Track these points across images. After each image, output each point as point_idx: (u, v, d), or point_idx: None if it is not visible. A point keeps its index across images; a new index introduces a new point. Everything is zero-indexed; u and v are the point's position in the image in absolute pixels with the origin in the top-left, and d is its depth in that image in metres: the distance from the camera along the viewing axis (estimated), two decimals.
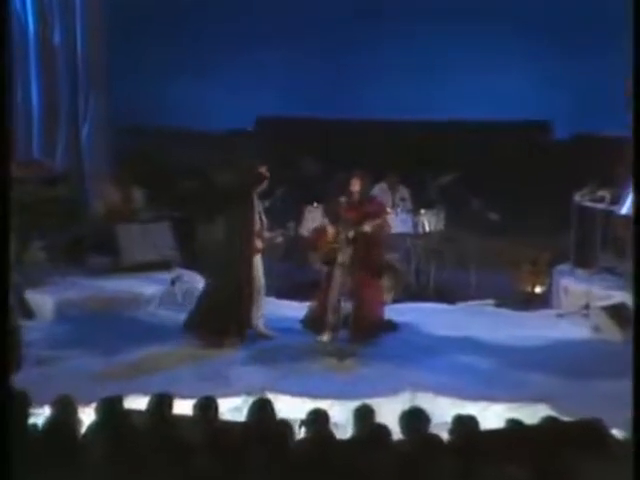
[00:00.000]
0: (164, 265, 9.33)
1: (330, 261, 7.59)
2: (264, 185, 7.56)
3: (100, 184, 10.15)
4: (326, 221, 7.72)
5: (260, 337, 7.63)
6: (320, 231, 7.72)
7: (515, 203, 10.39)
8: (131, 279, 9.06)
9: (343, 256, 7.47)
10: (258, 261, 7.61)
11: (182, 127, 11.37)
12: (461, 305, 8.92)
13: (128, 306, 8.56)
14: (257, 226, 7.52)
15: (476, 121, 11.45)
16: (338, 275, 7.51)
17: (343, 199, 7.60)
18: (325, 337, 7.58)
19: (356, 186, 7.58)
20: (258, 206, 7.55)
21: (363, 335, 7.57)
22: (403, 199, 9.68)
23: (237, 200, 7.55)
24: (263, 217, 7.61)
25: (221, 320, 7.42)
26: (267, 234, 7.64)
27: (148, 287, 8.89)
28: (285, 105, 11.76)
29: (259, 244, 7.55)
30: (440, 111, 11.40)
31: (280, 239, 7.78)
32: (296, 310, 8.21)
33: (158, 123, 11.34)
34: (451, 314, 8.62)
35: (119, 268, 9.28)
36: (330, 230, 7.57)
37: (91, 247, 9.52)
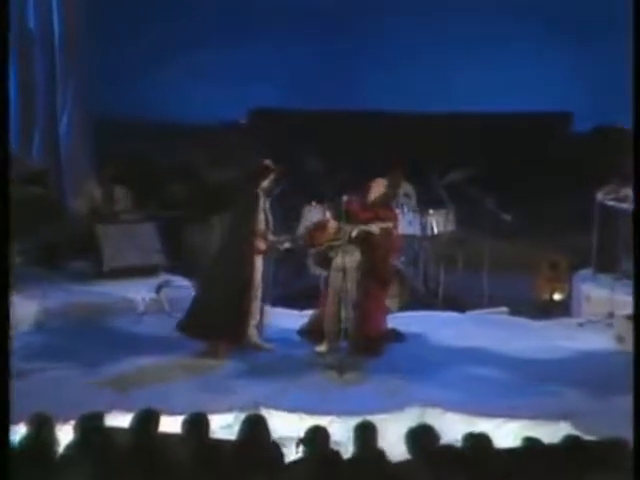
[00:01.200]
0: (150, 270, 9.33)
1: (326, 261, 7.57)
2: (270, 180, 7.52)
3: (80, 182, 10.15)
4: (328, 216, 7.68)
5: (255, 349, 7.62)
6: (320, 225, 7.68)
7: (532, 202, 10.41)
8: (114, 285, 9.06)
9: (343, 259, 7.46)
10: (259, 264, 7.56)
11: (169, 120, 11.37)
12: (473, 313, 8.92)
13: (111, 314, 8.57)
14: (261, 225, 7.48)
15: (488, 113, 11.46)
16: (338, 281, 7.51)
17: (355, 197, 7.58)
18: (324, 348, 7.59)
19: (380, 187, 7.53)
20: (264, 203, 7.51)
21: (366, 346, 7.55)
22: (407, 196, 9.67)
23: (238, 197, 7.53)
24: (269, 216, 7.55)
25: (216, 326, 7.40)
26: (272, 237, 7.59)
27: (132, 294, 8.88)
28: (280, 96, 11.76)
29: (262, 245, 7.51)
30: (450, 102, 11.41)
31: (287, 245, 7.72)
32: (293, 319, 8.20)
33: (142, 116, 11.34)
34: (462, 323, 8.62)
35: (101, 273, 9.28)
36: (331, 224, 7.53)
37: (70, 250, 9.52)
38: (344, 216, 7.44)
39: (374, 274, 7.58)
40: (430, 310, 8.94)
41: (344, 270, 7.46)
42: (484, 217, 9.12)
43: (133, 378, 7.08)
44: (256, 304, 7.58)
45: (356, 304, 7.49)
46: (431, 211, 9.32)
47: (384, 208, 7.71)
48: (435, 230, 9.32)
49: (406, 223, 9.10)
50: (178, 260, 9.71)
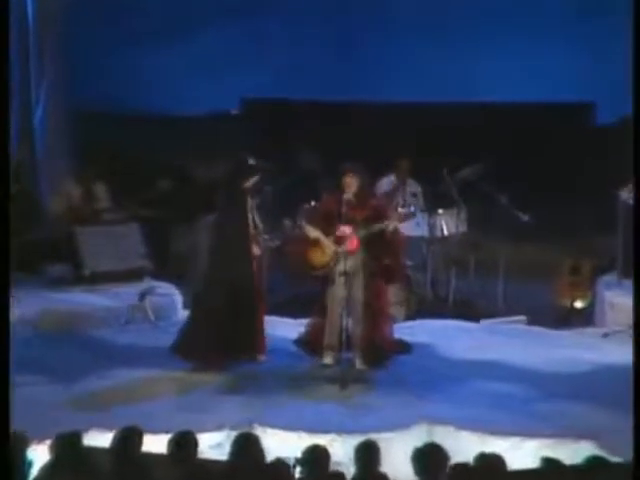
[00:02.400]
0: (133, 275, 9.34)
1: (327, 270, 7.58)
2: (255, 180, 7.56)
3: (57, 178, 10.15)
4: (312, 229, 7.63)
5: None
6: (313, 243, 7.62)
7: (551, 200, 10.39)
8: (94, 292, 9.08)
9: (345, 262, 7.46)
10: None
11: (154, 112, 11.37)
12: (487, 323, 8.92)
13: (90, 324, 8.57)
14: (251, 229, 7.52)
15: (502, 103, 11.45)
16: (340, 285, 7.50)
17: (345, 196, 7.58)
18: (325, 360, 7.58)
19: (350, 183, 7.56)
20: (250, 205, 7.55)
21: (370, 358, 7.56)
22: (414, 195, 9.67)
23: (225, 197, 7.55)
24: (257, 218, 7.61)
25: (222, 336, 7.40)
26: (264, 237, 7.68)
27: (114, 301, 8.89)
28: (276, 84, 11.75)
29: (256, 251, 7.54)
30: (461, 92, 11.40)
31: (277, 242, 7.72)
32: (289, 328, 8.21)
33: (125, 107, 11.33)
34: (475, 333, 8.62)
35: (80, 279, 9.30)
36: (327, 245, 7.52)
37: (46, 253, 9.52)
38: (348, 220, 7.46)
39: (384, 275, 7.58)
40: (440, 319, 8.94)
41: (347, 274, 7.45)
42: (499, 217, 9.13)
43: (114, 394, 7.07)
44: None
45: (362, 311, 7.49)
46: (440, 210, 9.33)
47: (374, 199, 7.66)
48: (445, 231, 9.35)
49: (413, 224, 9.10)
50: (164, 265, 9.73)
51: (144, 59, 11.42)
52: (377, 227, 7.47)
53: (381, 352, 7.64)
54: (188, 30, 11.50)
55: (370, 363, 7.55)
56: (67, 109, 10.49)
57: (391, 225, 7.46)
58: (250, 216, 7.52)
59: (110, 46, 11.25)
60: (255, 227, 7.57)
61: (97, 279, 9.31)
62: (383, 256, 7.56)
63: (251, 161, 7.59)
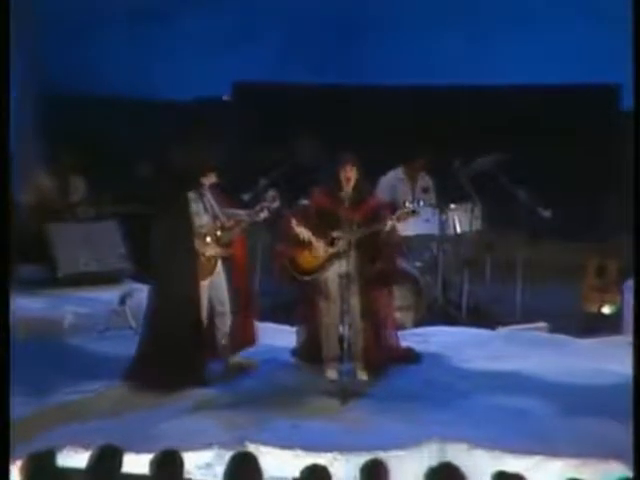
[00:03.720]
0: (112, 277, 9.33)
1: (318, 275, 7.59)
2: (211, 178, 7.56)
3: (27, 170, 10.13)
4: (303, 230, 7.61)
5: (233, 371, 7.63)
6: (303, 244, 7.62)
7: (574, 193, 10.38)
8: (68, 295, 9.06)
9: (342, 265, 7.48)
10: (216, 271, 7.56)
11: (134, 96, 11.36)
12: (504, 330, 8.93)
13: (64, 332, 8.58)
14: (204, 225, 7.51)
15: (518, 86, 11.44)
16: (337, 288, 7.51)
17: (342, 193, 7.56)
18: (328, 375, 7.59)
19: (350, 177, 7.54)
20: (208, 205, 7.55)
21: (372, 369, 7.57)
22: (425, 190, 9.66)
23: (178, 192, 7.55)
24: (219, 213, 7.56)
25: (173, 360, 7.35)
26: (244, 214, 7.60)
27: (91, 307, 8.90)
28: (271, 67, 11.74)
29: (211, 250, 7.49)
30: (475, 75, 11.39)
31: (264, 215, 7.65)
32: (286, 336, 8.21)
33: (103, 92, 11.32)
34: (491, 342, 8.62)
35: (53, 281, 9.31)
36: (317, 245, 7.53)
37: (16, 253, 9.48)
38: (342, 223, 7.48)
39: (379, 276, 7.59)
40: (452, 325, 8.96)
41: (344, 275, 7.45)
42: (517, 213, 9.12)
43: (91, 408, 7.05)
44: (221, 320, 7.62)
45: (360, 319, 7.51)
46: (453, 206, 9.33)
47: (370, 196, 7.72)
48: (458, 229, 9.34)
49: (422, 220, 9.09)
50: (146, 266, 9.67)
51: (123, 39, 11.41)
52: (373, 228, 7.48)
53: (386, 362, 7.67)
54: (172, 7, 11.49)
55: (373, 374, 7.56)
56: (39, 93, 10.49)
57: (389, 226, 7.45)
58: (205, 212, 7.51)
59: (86, 24, 11.23)
60: (217, 222, 7.55)
61: (72, 282, 9.30)
62: (376, 259, 7.57)
63: (208, 157, 7.62)
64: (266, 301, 9.28)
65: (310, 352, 7.75)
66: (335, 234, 7.54)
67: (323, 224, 7.59)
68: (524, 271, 9.22)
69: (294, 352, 7.89)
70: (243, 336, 7.78)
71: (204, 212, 7.55)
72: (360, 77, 11.65)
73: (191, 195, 7.53)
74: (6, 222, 5.81)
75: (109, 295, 9.02)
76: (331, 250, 7.54)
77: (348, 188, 7.58)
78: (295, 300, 8.20)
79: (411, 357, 7.91)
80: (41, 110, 10.52)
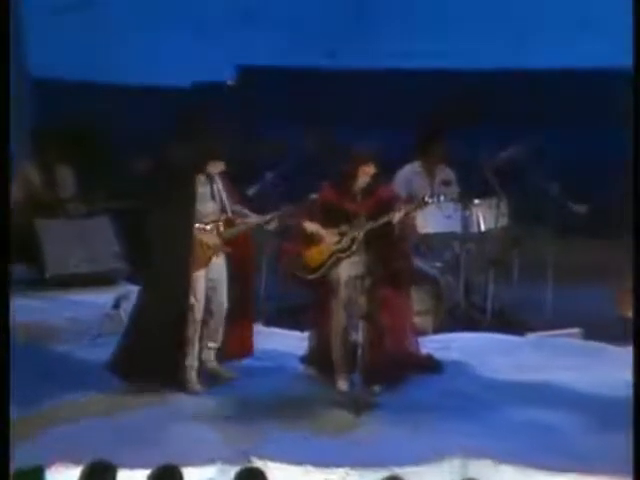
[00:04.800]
0: (105, 279, 9.33)
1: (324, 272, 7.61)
2: (219, 166, 7.61)
3: (14, 160, 10.12)
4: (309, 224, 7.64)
5: (211, 378, 7.68)
6: (314, 240, 7.64)
7: (610, 187, 10.31)
8: (57, 298, 9.06)
9: (351, 265, 7.49)
10: (215, 265, 7.63)
11: (129, 81, 11.37)
12: (533, 336, 8.92)
13: (53, 338, 8.58)
14: (208, 211, 7.58)
15: (549, 70, 11.40)
16: (345, 292, 7.54)
17: (354, 188, 7.59)
18: (339, 385, 7.59)
19: (368, 172, 7.56)
20: (212, 188, 7.61)
21: (390, 378, 7.57)
22: (446, 183, 9.65)
23: (179, 182, 7.63)
24: (227, 205, 7.64)
25: (154, 356, 7.46)
26: (254, 218, 7.68)
27: (81, 310, 8.90)
28: (279, 50, 11.75)
29: (209, 238, 7.54)
30: (501, 57, 11.37)
31: (274, 225, 7.73)
32: (295, 342, 8.24)
33: (93, 75, 11.35)
34: (519, 349, 8.61)
35: (41, 282, 9.31)
36: (328, 240, 7.54)
37: None
38: (350, 218, 7.51)
39: (395, 278, 7.59)
40: (475, 331, 8.96)
41: (354, 275, 7.49)
42: (547, 208, 9.09)
43: (83, 421, 7.05)
44: (211, 321, 7.67)
45: (373, 318, 7.50)
46: (477, 201, 9.31)
47: (382, 190, 7.72)
48: (482, 226, 9.32)
49: (443, 217, 9.08)
50: (142, 266, 9.68)
51: (115, 16, 11.43)
52: (381, 220, 7.48)
53: (403, 371, 7.66)
54: None
55: (389, 384, 7.55)
56: (24, 77, 10.49)
57: (396, 216, 7.45)
58: (212, 203, 7.59)
59: (75, 5, 11.26)
60: (223, 214, 7.62)
61: (61, 283, 9.31)
62: (391, 257, 7.58)
63: (215, 146, 7.67)
64: (273, 304, 9.28)
65: (321, 359, 7.75)
66: (342, 229, 7.54)
67: (330, 219, 7.58)
68: (555, 272, 9.19)
69: (303, 359, 7.90)
70: (239, 345, 7.83)
71: (210, 198, 7.62)
72: (374, 60, 11.64)
73: (200, 178, 7.60)
74: (6, 222, 5.85)
75: (102, 298, 9.03)
76: (335, 246, 7.53)
77: (362, 183, 7.58)
78: (305, 303, 8.20)
79: (431, 366, 7.91)
80: (25, 97, 10.52)
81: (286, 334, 8.63)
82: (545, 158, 9.14)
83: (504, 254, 9.42)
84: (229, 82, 12.09)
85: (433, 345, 8.27)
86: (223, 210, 7.65)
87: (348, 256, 7.53)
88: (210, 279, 7.62)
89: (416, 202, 7.68)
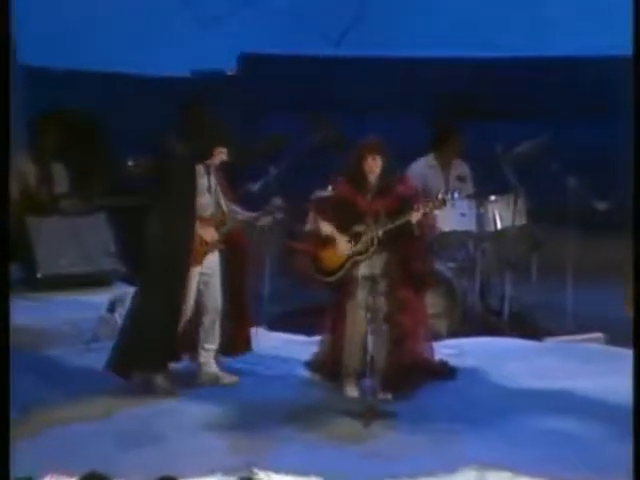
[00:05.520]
0: (100, 279, 9.34)
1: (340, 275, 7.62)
2: (222, 155, 7.67)
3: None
4: (325, 224, 7.65)
5: (208, 382, 7.73)
6: (327, 240, 7.66)
7: (634, 183, 10.29)
8: (49, 300, 9.07)
9: (369, 266, 7.49)
10: (210, 262, 7.69)
11: (126, 70, 11.37)
12: (553, 341, 8.93)
13: (44, 342, 8.59)
14: (205, 211, 7.65)
15: (575, 57, 11.40)
16: (360, 295, 7.53)
17: (365, 182, 7.59)
18: (347, 391, 7.62)
19: (374, 167, 7.54)
20: (209, 181, 7.68)
21: (402, 385, 7.58)
22: (461, 179, 9.64)
23: (175, 177, 7.70)
24: (222, 201, 7.71)
25: (150, 354, 7.57)
26: (243, 215, 7.75)
27: (75, 313, 8.91)
28: (282, 38, 11.75)
29: (207, 234, 7.61)
30: (518, 45, 11.37)
31: (268, 220, 7.79)
32: (300, 347, 8.26)
33: (88, 63, 11.34)
34: (537, 355, 8.62)
35: (32, 283, 9.31)
36: (342, 243, 7.55)
37: None
38: (366, 216, 7.52)
39: (410, 280, 7.61)
40: (491, 336, 8.97)
41: (369, 277, 7.47)
42: (568, 205, 9.07)
43: (74, 429, 7.04)
44: (206, 321, 7.71)
45: (386, 322, 7.52)
46: (493, 197, 9.31)
47: (400, 184, 7.71)
48: (498, 224, 9.31)
49: (458, 214, 9.08)
50: (139, 266, 9.69)
51: (118, 8, 11.45)
52: (399, 221, 7.49)
53: (415, 378, 7.68)
54: None
55: (400, 392, 7.56)
56: (16, 66, 10.49)
57: (414, 216, 7.45)
58: (206, 198, 7.65)
59: None
60: (219, 211, 7.68)
61: (53, 284, 9.31)
62: (410, 257, 7.59)
63: (214, 141, 7.70)
64: (277, 307, 9.29)
65: (329, 365, 7.77)
66: (358, 229, 7.55)
67: (345, 218, 7.59)
68: (576, 273, 9.19)
69: (309, 365, 7.90)
70: (236, 341, 7.89)
71: (207, 191, 7.69)
72: (382, 48, 11.64)
73: (200, 169, 7.65)
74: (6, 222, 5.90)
75: (97, 300, 9.03)
76: (353, 248, 7.55)
77: (372, 178, 7.58)
78: (315, 305, 8.21)
79: (445, 372, 7.93)
80: (20, 88, 10.53)
81: (291, 339, 8.64)
82: (563, 151, 9.12)
83: (522, 254, 9.40)
84: (230, 71, 12.09)
85: (447, 350, 8.29)
86: (218, 204, 7.70)
87: (366, 258, 7.54)
88: (202, 274, 7.68)
89: (434, 202, 7.66)
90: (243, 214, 7.83)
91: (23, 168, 9.86)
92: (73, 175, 9.99)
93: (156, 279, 7.61)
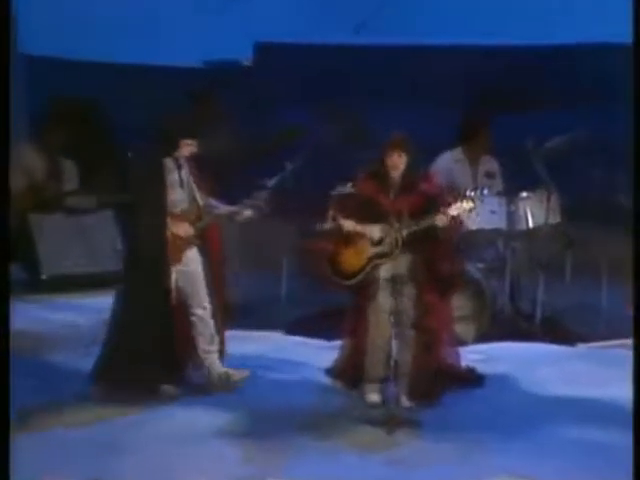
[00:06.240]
0: (106, 280, 9.34)
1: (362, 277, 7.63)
2: (191, 147, 7.73)
3: (13, 149, 10.19)
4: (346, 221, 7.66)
5: (214, 386, 7.75)
6: (347, 239, 7.67)
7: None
8: (52, 301, 9.09)
9: (393, 265, 7.50)
10: (188, 259, 7.72)
11: (135, 60, 11.41)
12: (586, 347, 8.95)
13: (47, 346, 8.63)
14: (177, 207, 7.69)
15: (604, 44, 11.38)
16: (385, 298, 7.54)
17: (389, 179, 7.60)
18: (369, 397, 7.62)
19: (398, 164, 7.56)
20: (180, 175, 7.72)
21: (427, 392, 7.59)
22: (490, 175, 9.64)
23: (144, 172, 7.79)
24: (197, 195, 7.76)
25: (142, 360, 7.59)
26: (222, 209, 7.81)
27: (80, 315, 8.95)
28: (298, 27, 11.77)
29: (182, 230, 7.66)
30: (544, 32, 11.37)
31: (248, 213, 7.83)
32: (319, 352, 8.29)
33: (98, 56, 11.38)
34: (569, 361, 8.63)
35: (35, 283, 9.33)
36: (362, 243, 7.56)
37: None
38: (389, 216, 7.52)
39: (439, 284, 7.61)
40: (522, 341, 8.97)
41: (393, 279, 7.47)
42: (603, 203, 9.05)
43: (76, 437, 7.06)
44: (201, 323, 7.75)
45: (412, 332, 7.53)
46: (524, 194, 9.29)
47: (425, 181, 7.72)
48: (530, 222, 9.29)
49: (487, 212, 9.06)
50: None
51: None
52: (424, 223, 7.49)
53: (441, 385, 7.68)
54: None
55: (425, 399, 7.57)
56: (21, 56, 10.55)
57: (440, 220, 7.46)
58: (180, 190, 7.71)
59: None
60: (194, 201, 7.74)
61: (57, 284, 9.33)
62: (436, 259, 7.59)
63: (182, 132, 7.75)
64: (296, 310, 9.29)
65: (350, 371, 7.76)
66: (380, 229, 7.55)
67: (366, 217, 7.59)
68: (611, 274, 9.18)
69: (330, 372, 7.89)
70: None
71: (179, 186, 7.73)
72: (403, 36, 11.65)
73: (168, 164, 7.71)
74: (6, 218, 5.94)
75: (102, 301, 9.01)
76: (375, 249, 7.55)
77: (395, 175, 7.59)
78: (336, 308, 8.22)
79: (472, 379, 7.94)
80: (22, 76, 10.57)
81: (308, 343, 8.66)
82: (603, 147, 9.12)
83: (555, 254, 9.39)
84: (246, 61, 12.11)
85: (474, 356, 8.29)
86: (193, 199, 7.74)
87: (390, 261, 7.54)
88: (182, 271, 7.71)
89: (462, 204, 7.62)
90: (222, 208, 7.86)
91: (30, 163, 9.87)
92: (81, 170, 9.98)
93: (138, 281, 7.65)
